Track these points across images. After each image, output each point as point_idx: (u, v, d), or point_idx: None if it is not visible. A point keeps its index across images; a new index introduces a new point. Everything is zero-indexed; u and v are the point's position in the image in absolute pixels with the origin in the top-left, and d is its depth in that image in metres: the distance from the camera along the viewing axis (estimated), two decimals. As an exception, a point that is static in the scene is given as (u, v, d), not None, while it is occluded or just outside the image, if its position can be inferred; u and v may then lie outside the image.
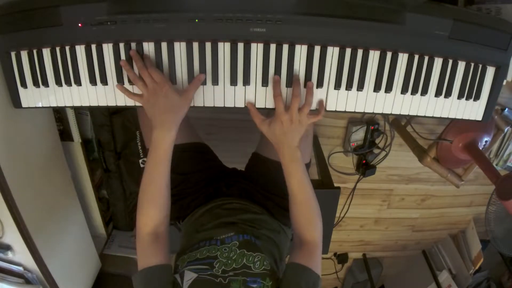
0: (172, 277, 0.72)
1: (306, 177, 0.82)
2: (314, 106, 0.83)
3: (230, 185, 1.02)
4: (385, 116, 1.78)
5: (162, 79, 0.75)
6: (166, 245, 0.79)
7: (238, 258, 0.75)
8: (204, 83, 0.80)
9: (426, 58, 0.82)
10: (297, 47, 0.79)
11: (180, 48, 0.78)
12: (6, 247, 0.95)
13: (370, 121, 1.80)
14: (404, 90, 0.84)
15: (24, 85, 0.83)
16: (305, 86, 0.81)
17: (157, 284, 0.71)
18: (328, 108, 0.84)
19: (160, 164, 0.77)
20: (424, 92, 0.84)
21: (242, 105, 0.83)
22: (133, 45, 0.77)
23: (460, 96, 0.87)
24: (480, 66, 0.84)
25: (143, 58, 0.78)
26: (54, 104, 0.84)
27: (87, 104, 0.83)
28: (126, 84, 0.81)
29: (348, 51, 0.80)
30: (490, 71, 0.86)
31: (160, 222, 0.79)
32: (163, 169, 0.77)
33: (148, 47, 0.78)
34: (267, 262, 0.75)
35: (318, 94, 0.83)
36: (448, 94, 0.85)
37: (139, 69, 0.76)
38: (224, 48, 0.78)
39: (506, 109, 1.51)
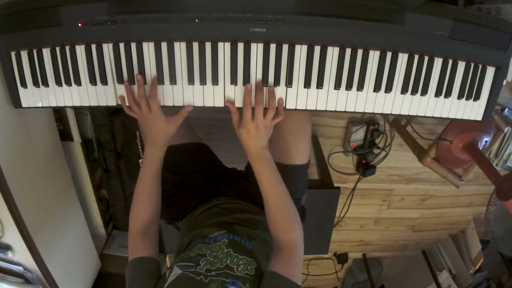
0: (158, 271, 0.78)
1: (276, 176, 0.82)
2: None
3: (229, 185, 1.02)
4: (385, 116, 1.78)
5: (157, 110, 0.78)
6: (154, 243, 0.86)
7: (223, 258, 0.75)
8: (204, 83, 0.80)
9: (426, 58, 0.82)
10: (297, 47, 0.79)
11: (180, 48, 0.78)
12: (6, 247, 0.95)
13: (370, 121, 1.80)
14: (404, 90, 0.84)
15: (24, 85, 0.83)
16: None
17: (142, 273, 0.77)
18: (328, 108, 0.84)
19: (152, 175, 0.85)
20: (424, 92, 0.84)
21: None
22: (133, 45, 0.77)
23: (460, 96, 0.87)
24: (480, 66, 0.84)
25: (149, 82, 0.80)
26: (54, 104, 0.84)
27: (87, 104, 0.83)
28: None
29: (348, 51, 0.80)
30: (490, 71, 0.86)
31: (150, 223, 0.86)
32: (154, 178, 0.86)
33: (148, 47, 0.78)
34: (251, 267, 0.74)
35: (319, 94, 0.83)
36: (448, 94, 0.85)
37: (138, 97, 0.78)
38: (224, 48, 0.78)
39: (506, 109, 1.51)
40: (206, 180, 1.05)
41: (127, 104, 0.81)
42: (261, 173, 0.82)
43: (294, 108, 0.83)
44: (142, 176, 0.86)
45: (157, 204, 0.89)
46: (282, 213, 0.81)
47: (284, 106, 0.83)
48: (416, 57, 0.82)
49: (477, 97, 0.87)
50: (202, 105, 0.82)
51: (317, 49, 0.79)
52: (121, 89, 0.81)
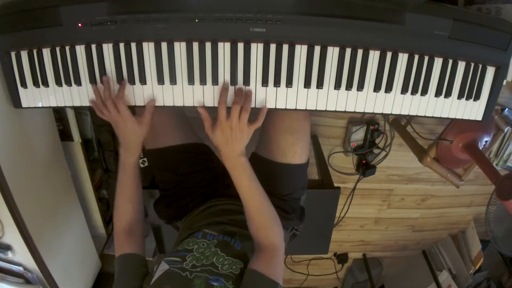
0: (145, 268, 0.80)
1: (253, 182, 0.80)
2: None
3: (229, 185, 1.02)
4: (385, 116, 1.78)
5: (125, 112, 0.78)
6: (140, 242, 0.88)
7: (210, 256, 0.77)
8: (204, 83, 0.80)
9: (426, 58, 0.82)
10: (297, 47, 0.79)
11: (180, 48, 0.78)
12: (6, 247, 0.95)
13: (370, 121, 1.80)
14: (404, 90, 0.84)
15: (24, 85, 0.83)
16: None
17: (128, 270, 0.79)
18: (328, 108, 0.84)
19: (128, 179, 0.87)
20: (424, 92, 0.84)
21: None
22: (133, 45, 0.77)
23: (460, 96, 0.87)
24: (480, 66, 0.84)
25: (117, 85, 0.80)
26: (54, 104, 0.84)
27: (87, 104, 0.83)
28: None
29: (348, 51, 0.80)
30: (490, 71, 0.86)
31: (133, 222, 0.89)
32: (131, 182, 0.88)
33: (148, 47, 0.78)
34: (237, 267, 0.75)
35: (319, 94, 0.83)
36: (448, 94, 0.85)
37: (104, 99, 0.78)
38: (224, 48, 0.78)
39: (506, 109, 1.51)
40: (206, 180, 1.05)
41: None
42: (237, 181, 0.80)
43: (294, 108, 0.83)
44: (119, 181, 0.87)
45: (138, 205, 0.90)
46: (261, 216, 0.80)
47: (284, 107, 0.82)
48: (416, 57, 0.82)
49: (477, 97, 0.87)
50: (202, 105, 0.82)
51: (317, 49, 0.79)
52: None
